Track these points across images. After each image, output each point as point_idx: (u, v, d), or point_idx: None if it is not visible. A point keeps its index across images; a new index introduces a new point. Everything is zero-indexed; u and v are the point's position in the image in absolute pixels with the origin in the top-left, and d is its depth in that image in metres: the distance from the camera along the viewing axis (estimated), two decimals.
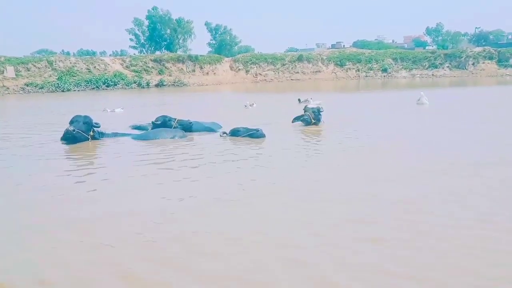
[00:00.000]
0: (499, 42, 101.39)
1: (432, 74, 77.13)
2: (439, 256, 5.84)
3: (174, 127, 16.47)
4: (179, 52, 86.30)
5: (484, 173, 9.93)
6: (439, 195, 8.36)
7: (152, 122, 16.88)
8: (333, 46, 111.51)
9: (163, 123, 16.68)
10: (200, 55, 77.12)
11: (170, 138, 15.63)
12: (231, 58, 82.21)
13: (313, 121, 18.10)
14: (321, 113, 18.42)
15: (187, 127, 16.70)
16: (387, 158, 12.03)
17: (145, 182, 9.99)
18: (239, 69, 78.27)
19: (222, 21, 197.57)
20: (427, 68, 79.20)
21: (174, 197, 8.73)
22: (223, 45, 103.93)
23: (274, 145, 14.16)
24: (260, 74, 78.16)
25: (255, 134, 15.19)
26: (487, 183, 9.09)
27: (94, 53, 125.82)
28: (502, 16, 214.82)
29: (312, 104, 19.46)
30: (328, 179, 9.91)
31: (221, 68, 76.57)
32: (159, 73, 68.72)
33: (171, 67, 71.24)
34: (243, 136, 15.30)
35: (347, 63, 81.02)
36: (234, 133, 15.75)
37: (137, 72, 66.79)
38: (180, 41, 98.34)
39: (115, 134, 16.41)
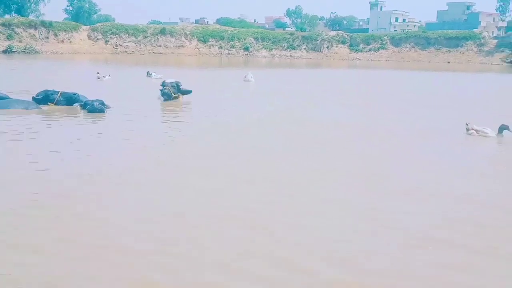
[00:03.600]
0: (351, 28, 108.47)
1: (290, 55, 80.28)
2: None
3: (57, 101, 15.52)
4: (31, 17, 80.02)
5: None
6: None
7: (33, 98, 15.62)
8: (196, 21, 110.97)
9: (45, 97, 15.60)
10: (55, 22, 72.29)
11: (22, 108, 14.77)
12: (89, 26, 78.23)
13: (173, 95, 17.94)
14: (180, 87, 18.32)
15: (72, 100, 15.66)
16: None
17: None
18: (97, 39, 74.80)
19: None
20: (285, 49, 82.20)
21: None
22: (80, 13, 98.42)
23: (111, 123, 13.81)
24: (121, 45, 75.46)
25: (91, 108, 14.62)
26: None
27: None
28: (355, 3, 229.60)
29: (169, 80, 19.19)
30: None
31: (78, 36, 72.58)
32: (8, 39, 63.42)
33: (21, 32, 65.95)
34: (85, 109, 14.77)
35: (210, 40, 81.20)
36: (84, 105, 15.17)
37: None
38: (32, 5, 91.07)
39: None
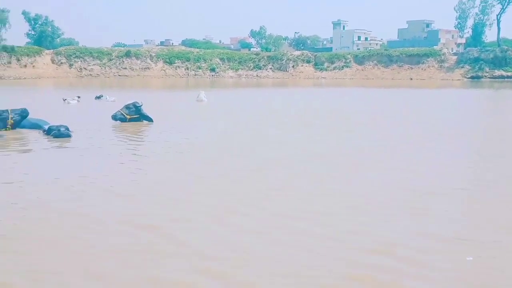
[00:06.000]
0: (315, 47, 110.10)
1: (257, 75, 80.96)
2: None
3: (13, 118, 15.17)
4: None
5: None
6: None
7: None
8: (162, 43, 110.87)
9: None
10: (17, 46, 71.45)
11: None
12: (52, 50, 77.45)
13: (127, 116, 17.49)
14: (139, 107, 17.73)
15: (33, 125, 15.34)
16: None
17: None
18: (61, 63, 74.10)
19: (42, 11, 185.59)
20: (252, 69, 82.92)
21: None
22: (43, 37, 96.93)
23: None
24: (85, 69, 74.88)
25: (57, 134, 14.15)
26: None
27: None
28: (318, 23, 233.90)
29: (125, 102, 19.05)
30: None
31: (42, 61, 71.76)
32: None
33: None
34: (51, 135, 14.37)
35: (176, 61, 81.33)
36: (49, 131, 14.79)
37: None
38: None
39: None
